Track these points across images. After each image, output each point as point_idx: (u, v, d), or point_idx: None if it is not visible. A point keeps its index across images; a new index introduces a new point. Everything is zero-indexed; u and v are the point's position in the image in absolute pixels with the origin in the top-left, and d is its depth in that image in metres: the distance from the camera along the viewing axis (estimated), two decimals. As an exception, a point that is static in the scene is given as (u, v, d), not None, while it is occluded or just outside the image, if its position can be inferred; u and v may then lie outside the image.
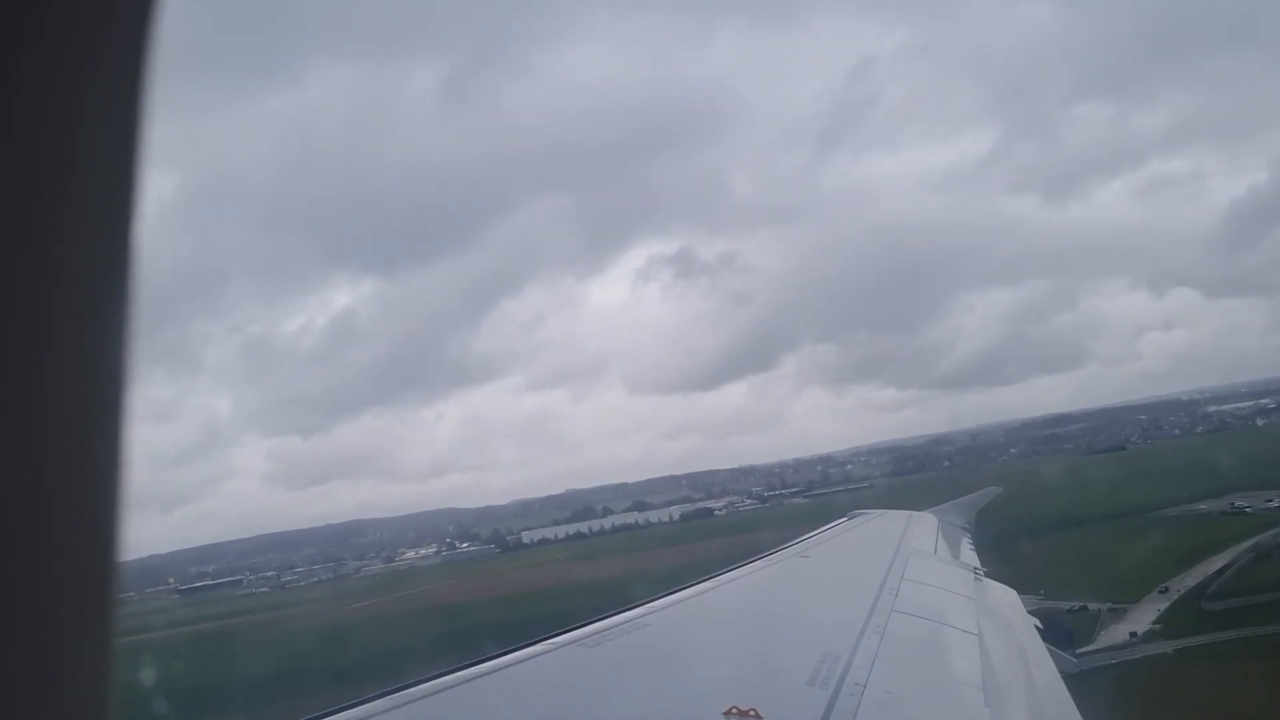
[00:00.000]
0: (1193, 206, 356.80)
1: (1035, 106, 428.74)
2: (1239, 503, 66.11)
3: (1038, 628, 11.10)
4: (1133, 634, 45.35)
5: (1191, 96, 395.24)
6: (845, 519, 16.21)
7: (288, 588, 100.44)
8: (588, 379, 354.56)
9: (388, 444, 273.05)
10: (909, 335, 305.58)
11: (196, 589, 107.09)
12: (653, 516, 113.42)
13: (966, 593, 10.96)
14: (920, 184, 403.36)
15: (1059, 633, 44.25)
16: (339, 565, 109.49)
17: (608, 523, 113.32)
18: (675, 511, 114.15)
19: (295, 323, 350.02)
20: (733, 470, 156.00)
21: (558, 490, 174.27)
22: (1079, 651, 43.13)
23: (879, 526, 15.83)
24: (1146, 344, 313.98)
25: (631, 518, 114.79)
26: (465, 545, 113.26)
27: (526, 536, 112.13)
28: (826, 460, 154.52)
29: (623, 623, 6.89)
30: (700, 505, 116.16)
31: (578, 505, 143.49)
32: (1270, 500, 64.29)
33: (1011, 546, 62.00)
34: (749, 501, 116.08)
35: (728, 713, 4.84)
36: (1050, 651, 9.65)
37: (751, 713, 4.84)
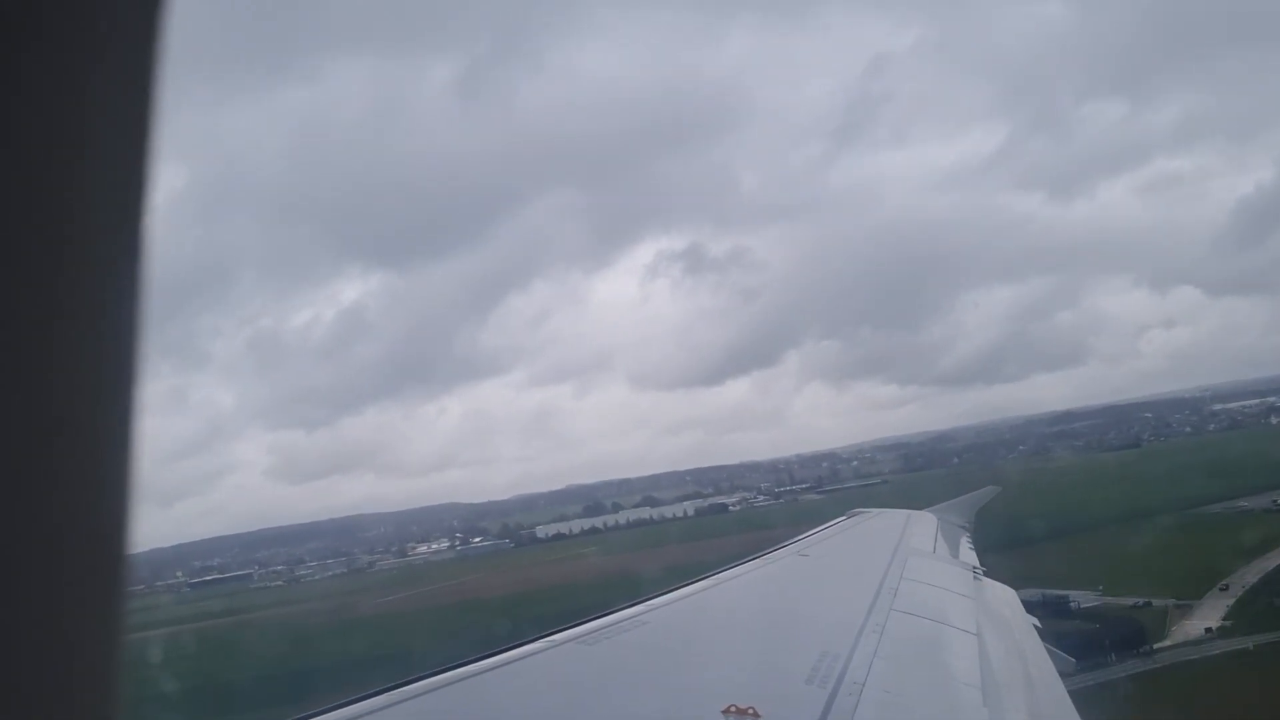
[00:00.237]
0: (1198, 205, 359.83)
1: (1044, 104, 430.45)
2: (1280, 500, 66.40)
3: (1036, 627, 11.08)
4: (1208, 629, 45.52)
5: (1199, 95, 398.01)
6: (845, 518, 16.24)
7: (303, 582, 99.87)
8: (591, 374, 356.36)
9: (390, 439, 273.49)
10: (912, 332, 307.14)
11: (207, 582, 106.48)
12: (667, 512, 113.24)
13: (965, 592, 10.90)
14: (928, 181, 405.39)
15: (1129, 628, 44.52)
16: (351, 559, 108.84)
17: (621, 518, 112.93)
18: (689, 507, 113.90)
19: (304, 316, 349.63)
20: (736, 466, 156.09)
21: (559, 485, 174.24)
22: (1155, 647, 43.29)
23: (878, 525, 15.83)
24: (1148, 342, 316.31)
25: (644, 513, 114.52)
26: (477, 540, 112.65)
27: (540, 532, 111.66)
28: (831, 457, 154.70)
29: (622, 620, 6.91)
30: (714, 501, 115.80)
31: (580, 500, 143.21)
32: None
33: (1054, 542, 62.27)
34: (762, 497, 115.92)
35: (726, 711, 4.84)
36: (1049, 651, 9.60)
37: (750, 711, 4.84)
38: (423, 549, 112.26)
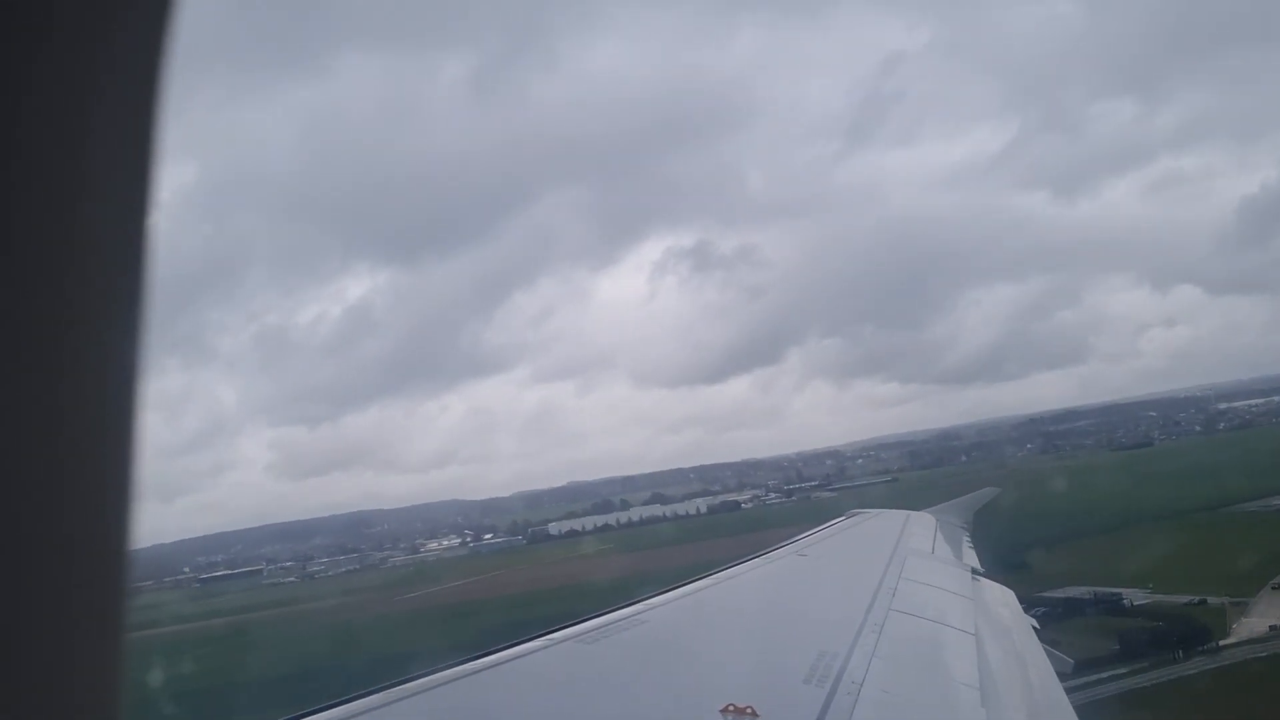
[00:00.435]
0: (1202, 204, 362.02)
1: (1051, 103, 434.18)
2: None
3: (1034, 628, 11.15)
4: (1272, 627, 45.53)
5: (1206, 94, 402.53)
6: (844, 518, 16.13)
7: (317, 578, 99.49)
8: (594, 371, 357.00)
9: (392, 435, 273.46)
10: (914, 330, 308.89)
11: (217, 578, 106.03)
12: (679, 509, 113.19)
13: (964, 592, 10.79)
14: (933, 180, 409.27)
15: (1191, 626, 44.70)
16: (364, 556, 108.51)
17: (634, 515, 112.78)
18: (702, 504, 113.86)
19: (311, 313, 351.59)
20: (739, 464, 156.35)
21: (560, 482, 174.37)
22: (1221, 644, 43.43)
23: (877, 526, 15.68)
24: (1148, 341, 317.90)
25: (657, 510, 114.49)
26: (489, 537, 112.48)
27: (553, 528, 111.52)
28: (835, 455, 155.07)
29: (620, 619, 6.85)
30: (726, 499, 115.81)
31: (581, 497, 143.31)
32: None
33: (1089, 540, 62.51)
34: (774, 495, 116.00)
35: (725, 710, 4.83)
36: (1047, 651, 9.58)
37: (748, 710, 4.83)
38: (433, 545, 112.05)
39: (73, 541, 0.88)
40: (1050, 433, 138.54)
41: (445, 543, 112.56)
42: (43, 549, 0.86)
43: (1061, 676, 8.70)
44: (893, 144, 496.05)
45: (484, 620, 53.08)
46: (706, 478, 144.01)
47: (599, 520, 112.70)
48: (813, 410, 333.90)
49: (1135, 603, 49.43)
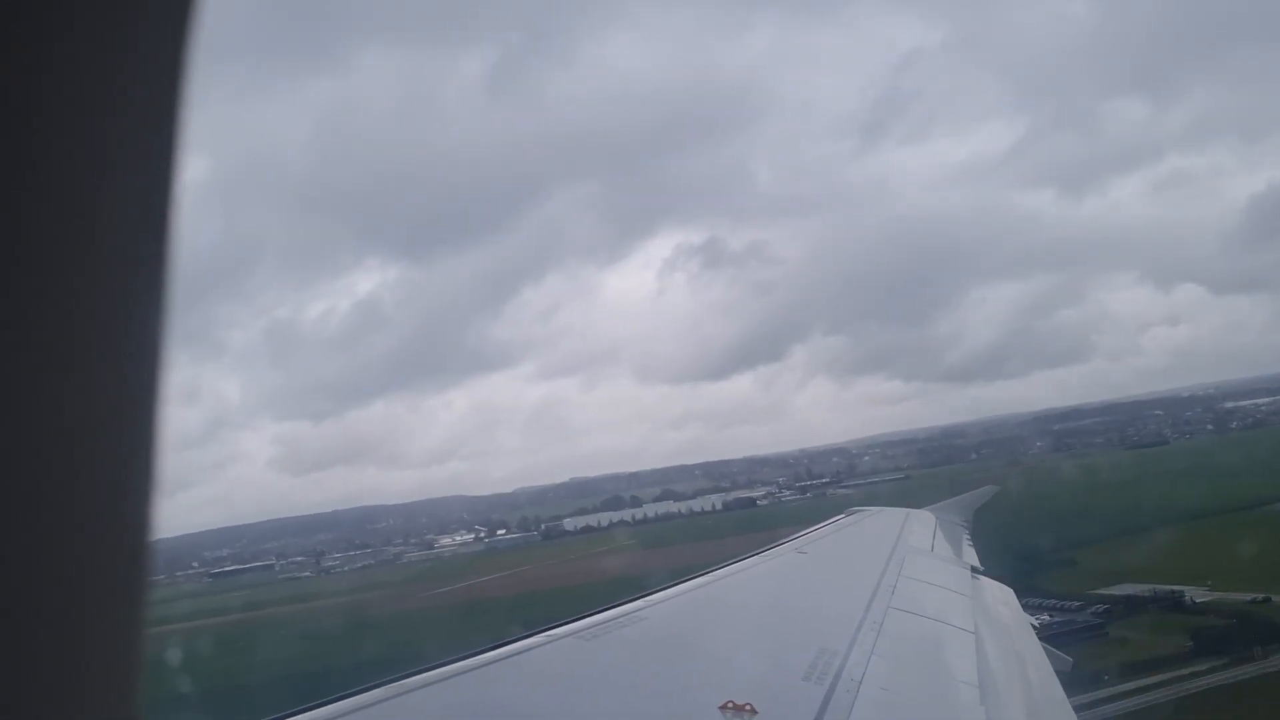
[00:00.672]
0: (1210, 202, 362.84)
1: (1060, 102, 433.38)
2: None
3: (1033, 626, 11.29)
4: (1345, 624, 45.38)
5: (1215, 93, 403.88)
6: (843, 516, 16.29)
7: (333, 573, 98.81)
8: (598, 368, 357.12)
9: (395, 431, 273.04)
10: (917, 328, 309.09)
11: (228, 573, 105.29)
12: (693, 505, 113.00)
13: (963, 591, 10.95)
14: (941, 177, 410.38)
15: (1263, 623, 44.75)
16: (378, 551, 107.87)
17: (649, 511, 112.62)
18: (716, 501, 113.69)
19: (321, 307, 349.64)
20: (742, 460, 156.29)
21: (562, 478, 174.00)
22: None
23: (876, 524, 15.88)
24: (1150, 339, 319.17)
25: (670, 507, 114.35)
26: (502, 532, 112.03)
27: (568, 524, 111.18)
28: (841, 452, 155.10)
29: (619, 616, 6.93)
30: (741, 495, 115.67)
31: (584, 493, 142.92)
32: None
33: (1129, 538, 62.53)
34: (787, 492, 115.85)
35: (723, 707, 4.87)
36: (1046, 650, 9.74)
37: (747, 707, 4.87)
38: (446, 541, 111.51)
39: (95, 537, 0.88)
40: (1058, 431, 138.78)
41: (458, 538, 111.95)
42: (64, 545, 0.85)
43: (1059, 674, 8.75)
44: (902, 142, 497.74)
45: (533, 615, 52.74)
46: (713, 474, 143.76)
47: (613, 516, 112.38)
48: (815, 407, 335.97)
49: (1196, 600, 49.48)
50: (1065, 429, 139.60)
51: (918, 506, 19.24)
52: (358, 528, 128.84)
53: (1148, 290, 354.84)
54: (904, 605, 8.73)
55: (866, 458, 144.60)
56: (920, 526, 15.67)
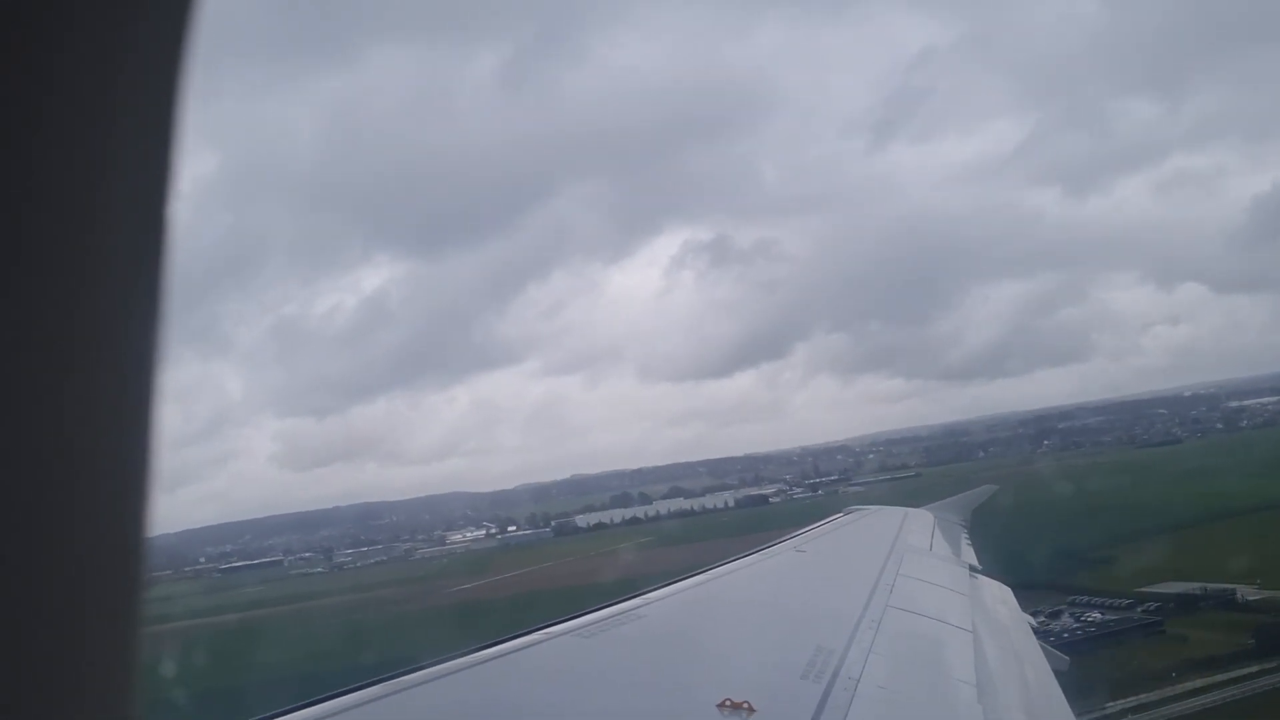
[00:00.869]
0: (1214, 202, 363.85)
1: (1067, 101, 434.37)
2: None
3: (1031, 626, 11.32)
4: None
5: (1221, 92, 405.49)
6: (842, 514, 16.39)
7: (346, 569, 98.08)
8: (601, 365, 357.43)
9: (397, 427, 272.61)
10: (920, 326, 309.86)
11: (237, 569, 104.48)
12: (705, 503, 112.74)
13: (961, 590, 11.03)
14: (947, 176, 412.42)
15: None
16: (388, 547, 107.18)
17: (662, 508, 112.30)
18: (729, 498, 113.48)
19: (328, 303, 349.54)
20: (744, 458, 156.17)
21: (563, 475, 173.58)
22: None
23: (875, 522, 16.01)
24: (1151, 338, 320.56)
25: (682, 504, 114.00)
26: (513, 529, 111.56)
27: (581, 521, 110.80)
28: (844, 450, 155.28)
29: (618, 614, 6.98)
30: (752, 493, 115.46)
31: (586, 490, 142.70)
32: None
33: (1167, 537, 62.52)
34: (798, 489, 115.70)
35: (721, 704, 4.88)
36: (1043, 649, 9.79)
37: (745, 705, 4.87)
38: (457, 537, 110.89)
39: (93, 536, 0.88)
40: (1063, 429, 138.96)
41: (469, 534, 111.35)
42: (62, 544, 0.85)
43: (1058, 674, 8.74)
44: (908, 140, 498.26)
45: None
46: (716, 471, 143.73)
47: (624, 513, 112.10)
48: (815, 405, 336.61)
49: (1249, 598, 49.50)
50: (1070, 427, 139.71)
51: (931, 504, 19.53)
52: (360, 524, 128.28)
53: (1149, 289, 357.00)
54: (902, 604, 8.76)
55: (872, 456, 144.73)
56: (918, 525, 15.73)
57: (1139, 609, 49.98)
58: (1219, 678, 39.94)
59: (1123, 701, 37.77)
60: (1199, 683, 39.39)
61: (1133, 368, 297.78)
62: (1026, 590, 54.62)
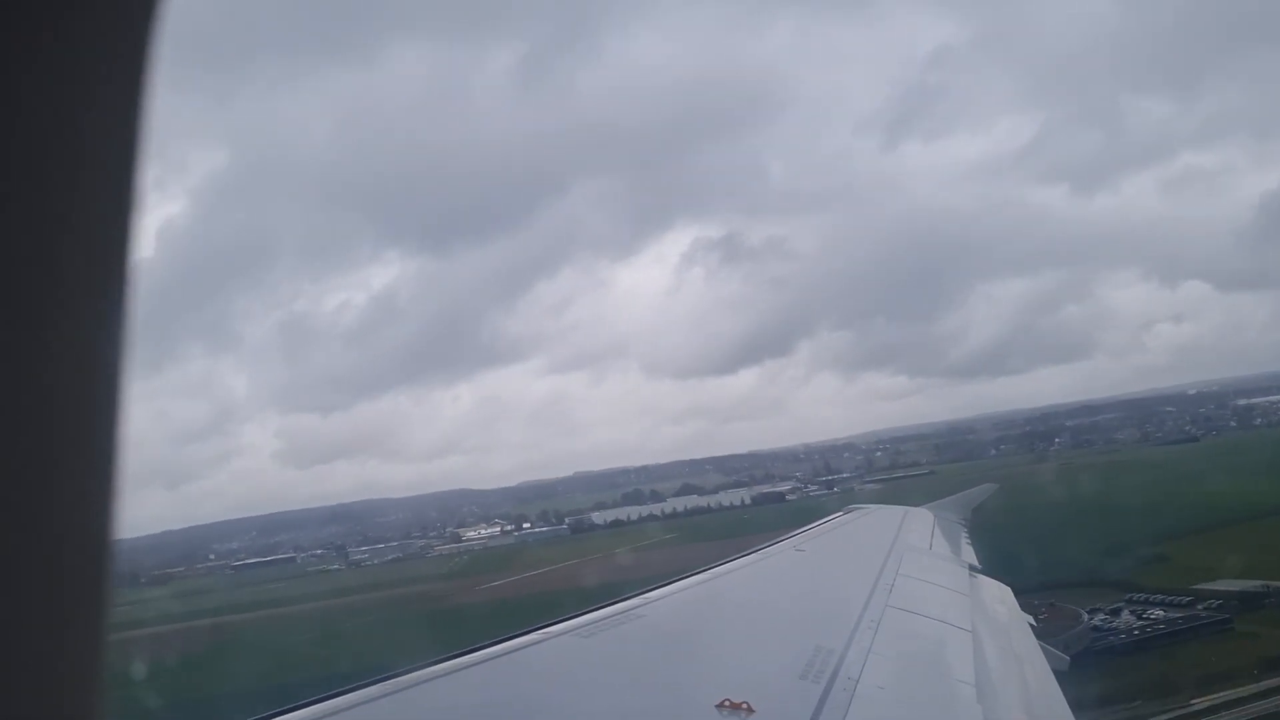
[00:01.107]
0: (1222, 199, 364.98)
1: (1077, 98, 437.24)
2: None
3: (1030, 625, 11.40)
4: None
5: (1229, 90, 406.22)
6: (841, 513, 16.47)
7: (364, 566, 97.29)
8: (606, 363, 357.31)
9: (401, 424, 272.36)
10: (925, 323, 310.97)
11: (249, 565, 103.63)
12: (723, 500, 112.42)
13: (961, 589, 11.08)
14: (956, 174, 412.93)
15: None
16: (404, 544, 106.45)
17: (675, 505, 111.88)
18: (745, 495, 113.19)
19: (337, 300, 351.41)
20: (749, 455, 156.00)
21: (565, 472, 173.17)
22: None
23: (875, 521, 16.09)
24: (1154, 336, 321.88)
25: (698, 501, 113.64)
26: (527, 526, 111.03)
27: (597, 518, 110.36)
28: (850, 447, 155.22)
29: (617, 613, 7.00)
30: (769, 490, 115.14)
31: (590, 487, 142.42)
32: None
33: (1214, 534, 62.40)
34: (813, 487, 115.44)
35: (720, 705, 4.88)
36: (1042, 648, 9.82)
37: (744, 705, 4.87)
38: (472, 534, 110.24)
39: (57, 537, 0.87)
40: (1072, 427, 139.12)
41: (483, 531, 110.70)
42: (26, 545, 0.84)
43: (1057, 674, 8.76)
44: (918, 138, 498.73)
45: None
46: (723, 468, 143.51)
47: (640, 511, 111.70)
48: (817, 402, 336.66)
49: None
50: (1079, 425, 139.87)
51: (930, 503, 19.53)
52: (365, 521, 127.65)
53: (1153, 287, 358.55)
54: (901, 604, 8.77)
55: (879, 453, 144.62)
56: (918, 525, 15.75)
57: (1200, 606, 49.74)
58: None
59: (1209, 698, 37.58)
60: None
61: (1135, 365, 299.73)
62: (1078, 588, 54.90)
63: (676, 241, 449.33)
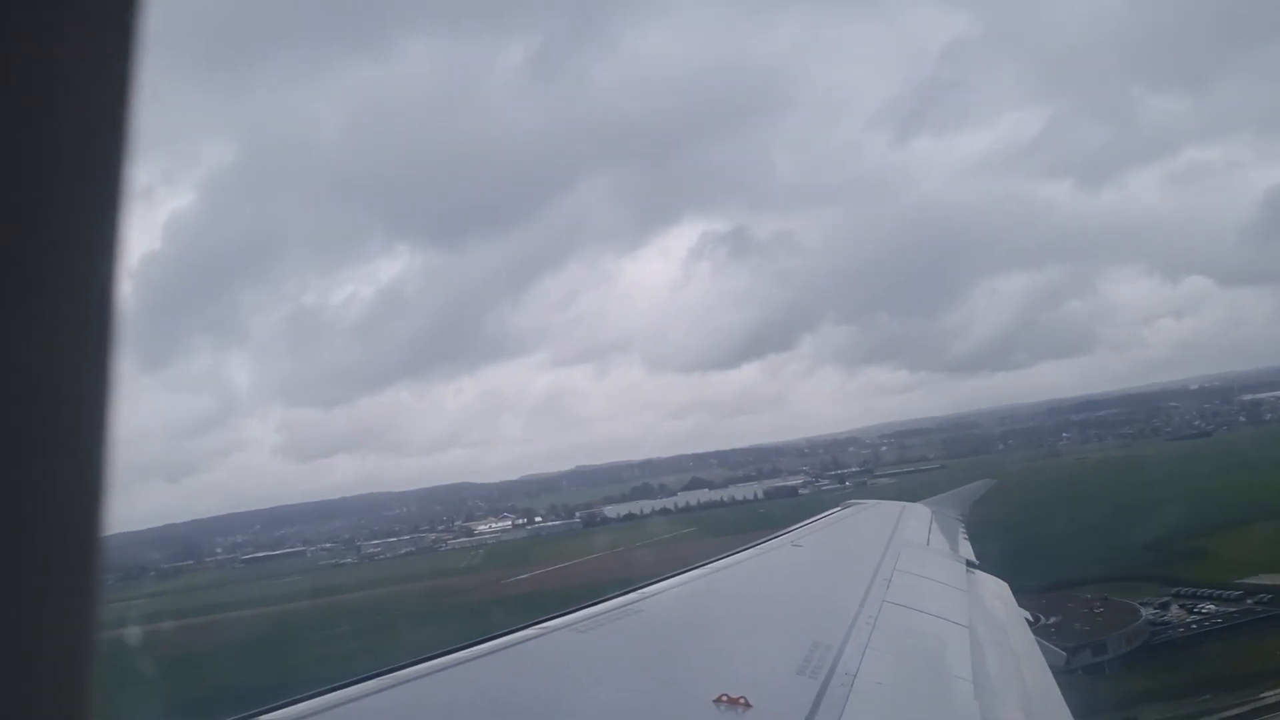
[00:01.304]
0: (1226, 194, 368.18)
1: (1084, 93, 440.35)
2: None
3: (1028, 620, 11.48)
4: None
5: (1234, 86, 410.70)
6: (839, 509, 16.50)
7: (379, 560, 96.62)
8: (610, 356, 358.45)
9: (404, 418, 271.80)
10: (927, 317, 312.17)
11: (259, 559, 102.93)
12: (735, 493, 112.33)
13: (958, 585, 11.16)
14: (962, 169, 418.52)
15: None
16: (416, 538, 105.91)
17: (687, 499, 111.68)
18: (757, 489, 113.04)
19: (344, 293, 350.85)
20: (751, 449, 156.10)
21: (567, 466, 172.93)
22: None
23: (872, 517, 16.15)
24: (1155, 331, 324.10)
25: (709, 495, 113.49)
26: (539, 519, 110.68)
27: (609, 512, 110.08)
28: (855, 441, 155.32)
29: (615, 608, 7.04)
30: (781, 484, 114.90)
31: (592, 481, 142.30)
32: None
33: (1248, 529, 62.33)
34: (824, 481, 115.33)
35: (717, 700, 4.90)
36: (1040, 645, 9.91)
37: (741, 700, 4.90)
38: (483, 527, 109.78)
39: (44, 534, 0.87)
40: (1077, 422, 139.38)
41: (495, 525, 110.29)
42: (15, 542, 0.84)
43: (1054, 669, 8.78)
44: (925, 133, 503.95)
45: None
46: (726, 463, 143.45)
47: (650, 505, 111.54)
48: (819, 396, 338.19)
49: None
50: (1083, 420, 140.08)
51: (928, 499, 19.60)
52: (370, 514, 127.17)
53: (1155, 281, 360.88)
54: (899, 599, 8.80)
55: (884, 448, 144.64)
56: (916, 520, 15.81)
57: (1250, 601, 49.67)
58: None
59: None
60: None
61: (1135, 360, 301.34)
62: (1121, 581, 54.78)
63: (684, 236, 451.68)
